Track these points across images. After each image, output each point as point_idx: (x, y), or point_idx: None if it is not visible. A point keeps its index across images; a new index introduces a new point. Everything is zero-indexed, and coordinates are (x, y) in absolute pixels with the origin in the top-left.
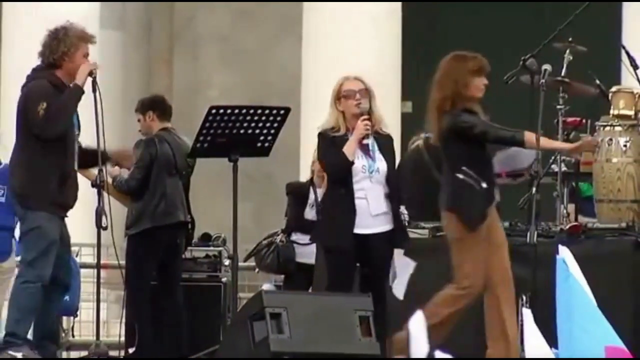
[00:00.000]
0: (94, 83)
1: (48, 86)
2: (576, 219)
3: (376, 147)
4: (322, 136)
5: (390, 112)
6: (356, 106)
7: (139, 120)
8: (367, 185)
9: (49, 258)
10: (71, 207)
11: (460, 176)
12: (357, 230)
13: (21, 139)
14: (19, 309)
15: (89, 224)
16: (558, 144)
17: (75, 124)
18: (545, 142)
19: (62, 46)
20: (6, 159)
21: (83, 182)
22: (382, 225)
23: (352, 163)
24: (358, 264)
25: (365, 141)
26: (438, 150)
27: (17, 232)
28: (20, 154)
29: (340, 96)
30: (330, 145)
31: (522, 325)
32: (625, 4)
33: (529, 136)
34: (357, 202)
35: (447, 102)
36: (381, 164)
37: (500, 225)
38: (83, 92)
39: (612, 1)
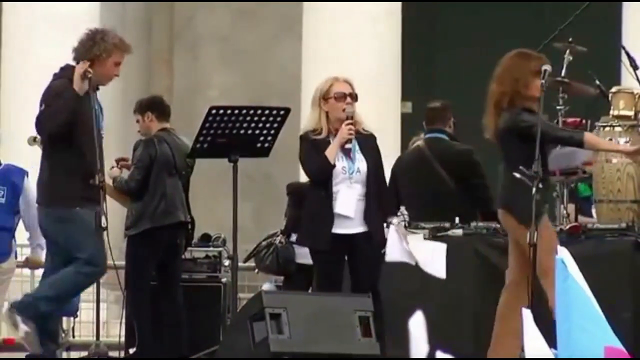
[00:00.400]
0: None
1: (66, 85)
2: (576, 219)
3: (357, 148)
4: (304, 139)
5: (390, 113)
6: (343, 110)
7: (137, 121)
8: (345, 186)
9: (101, 244)
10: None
11: (517, 175)
12: (339, 231)
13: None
14: (57, 289)
15: None
16: (617, 146)
17: (101, 124)
18: (605, 143)
19: (95, 49)
20: (6, 159)
21: None
22: (359, 226)
23: (334, 167)
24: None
25: (347, 145)
26: (441, 150)
27: (16, 233)
28: (43, 154)
29: (328, 97)
30: (311, 148)
31: (522, 325)
32: (625, 4)
33: (589, 137)
34: (334, 203)
35: (505, 98)
36: (361, 165)
37: (550, 225)
38: (78, 96)
39: (612, 1)
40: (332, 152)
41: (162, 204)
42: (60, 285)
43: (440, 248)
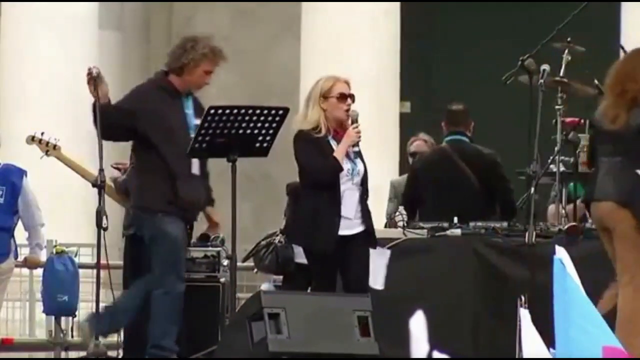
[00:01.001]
0: (94, 82)
1: (149, 90)
2: (583, 219)
3: (358, 148)
4: (304, 136)
5: (388, 112)
6: (346, 111)
7: None
8: (348, 187)
9: (180, 261)
10: (195, 207)
11: None
12: (347, 232)
13: None
14: (163, 320)
15: (88, 224)
16: None
17: (191, 128)
18: None
19: (184, 58)
20: (4, 159)
21: (83, 183)
22: (358, 227)
23: (342, 169)
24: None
25: (355, 148)
26: (466, 153)
27: (17, 232)
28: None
29: (329, 96)
30: (313, 147)
31: (519, 326)
32: (623, 4)
33: None
34: (341, 204)
35: None
36: (360, 166)
37: None
38: (102, 108)
39: (610, 1)
40: (340, 154)
41: None
42: (160, 312)
43: (384, 254)
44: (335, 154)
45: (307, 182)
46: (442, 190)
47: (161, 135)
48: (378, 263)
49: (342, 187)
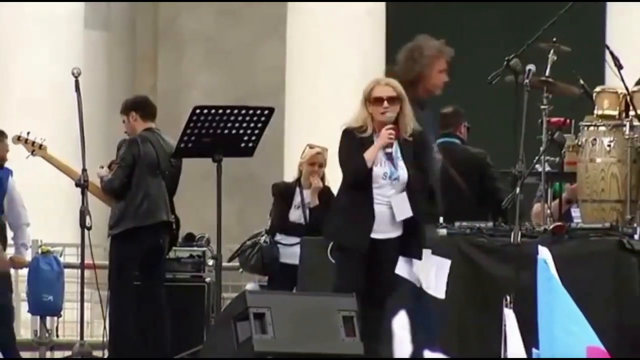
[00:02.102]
0: (77, 84)
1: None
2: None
3: (399, 154)
4: (348, 134)
5: None
6: (382, 114)
7: (123, 122)
8: (388, 192)
9: None
10: None
11: None
12: (379, 236)
13: None
14: None
15: (73, 224)
16: None
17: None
18: None
19: (417, 67)
20: None
21: (67, 182)
22: (395, 231)
23: (370, 170)
24: None
25: (387, 150)
26: (454, 154)
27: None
28: None
29: (370, 99)
30: (356, 145)
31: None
32: (609, 4)
33: None
34: (376, 207)
35: None
36: (402, 172)
37: None
38: None
39: (596, 1)
40: (371, 154)
41: (145, 203)
42: None
43: (444, 265)
44: (365, 154)
45: (343, 179)
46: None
47: None
48: (439, 272)
49: (381, 190)
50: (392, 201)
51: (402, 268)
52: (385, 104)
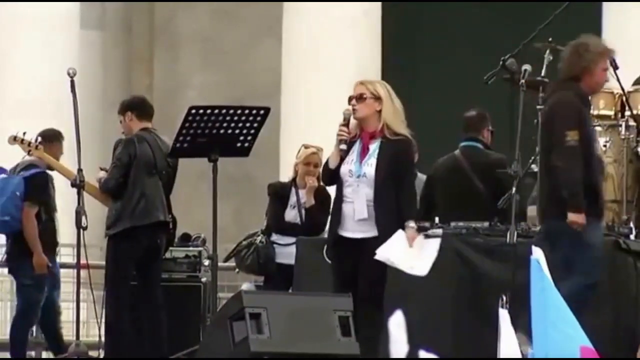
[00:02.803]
0: (72, 84)
1: (573, 98)
2: None
3: (376, 153)
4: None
5: None
6: (350, 112)
7: (120, 122)
8: (353, 189)
9: None
10: None
11: None
12: (344, 234)
13: None
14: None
15: (68, 224)
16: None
17: None
18: None
19: (582, 62)
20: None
21: (63, 182)
22: (369, 231)
23: (332, 170)
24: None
25: (341, 146)
26: (475, 158)
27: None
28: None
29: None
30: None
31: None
32: (605, 3)
33: None
34: (344, 205)
35: None
36: (368, 169)
37: None
38: None
39: (592, 1)
40: (331, 155)
41: (142, 203)
42: None
43: (434, 244)
44: (329, 156)
45: None
46: (452, 198)
47: None
48: (429, 251)
49: (349, 189)
50: (354, 200)
51: (383, 252)
52: (354, 101)
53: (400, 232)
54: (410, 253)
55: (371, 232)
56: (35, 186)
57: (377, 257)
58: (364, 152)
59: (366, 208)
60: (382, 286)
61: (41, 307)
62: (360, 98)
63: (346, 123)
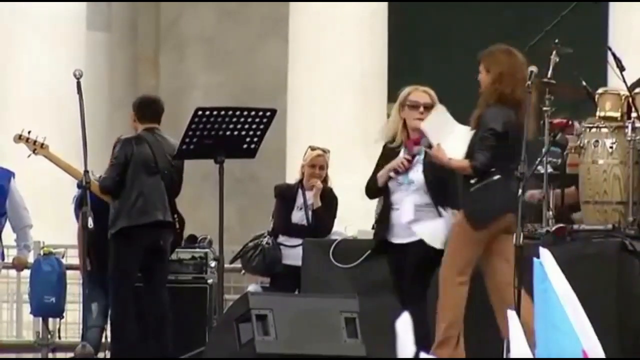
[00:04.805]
0: (79, 85)
1: None
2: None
3: (421, 158)
4: (383, 147)
5: (376, 113)
6: (416, 120)
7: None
8: (402, 196)
9: None
10: None
11: None
12: (394, 240)
13: None
14: None
15: (74, 225)
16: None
17: None
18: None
19: None
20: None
21: (69, 183)
22: (411, 236)
23: (379, 190)
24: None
25: (392, 174)
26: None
27: (4, 234)
28: None
29: (404, 104)
30: (383, 158)
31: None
32: (611, 4)
33: None
34: (392, 213)
35: None
36: (416, 175)
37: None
38: None
39: (599, 1)
40: (382, 176)
41: (140, 202)
42: None
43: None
44: (378, 174)
45: None
46: None
47: None
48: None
49: (396, 195)
50: (401, 206)
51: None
52: (421, 109)
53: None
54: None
55: (412, 237)
56: None
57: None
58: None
59: (412, 212)
60: (427, 286)
61: None
62: (428, 108)
63: (411, 159)
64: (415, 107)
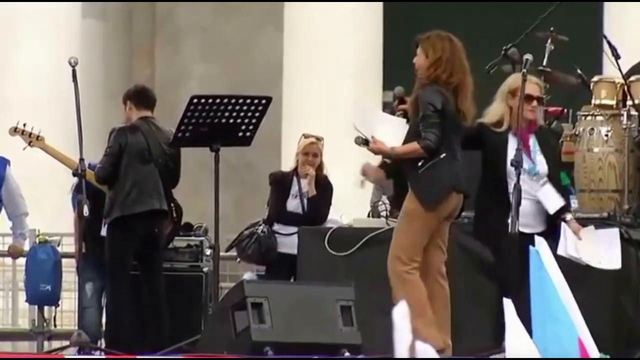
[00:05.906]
0: (74, 73)
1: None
2: None
3: (537, 147)
4: (481, 125)
5: (371, 101)
6: (531, 111)
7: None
8: (532, 186)
9: None
10: None
11: None
12: (525, 230)
13: None
14: None
15: (70, 213)
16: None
17: None
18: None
19: None
20: None
21: (64, 171)
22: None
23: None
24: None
25: (527, 168)
26: None
27: None
28: None
29: (515, 92)
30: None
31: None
32: (606, 4)
33: None
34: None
35: None
36: (541, 167)
37: None
38: None
39: None
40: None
41: (134, 192)
42: None
43: (613, 234)
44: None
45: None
46: None
47: None
48: (610, 243)
49: (525, 185)
50: (540, 196)
51: (563, 248)
52: (534, 103)
53: (564, 225)
54: (586, 246)
55: (539, 227)
56: None
57: (558, 253)
58: (526, 147)
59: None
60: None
61: None
62: (540, 100)
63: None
64: (529, 100)
